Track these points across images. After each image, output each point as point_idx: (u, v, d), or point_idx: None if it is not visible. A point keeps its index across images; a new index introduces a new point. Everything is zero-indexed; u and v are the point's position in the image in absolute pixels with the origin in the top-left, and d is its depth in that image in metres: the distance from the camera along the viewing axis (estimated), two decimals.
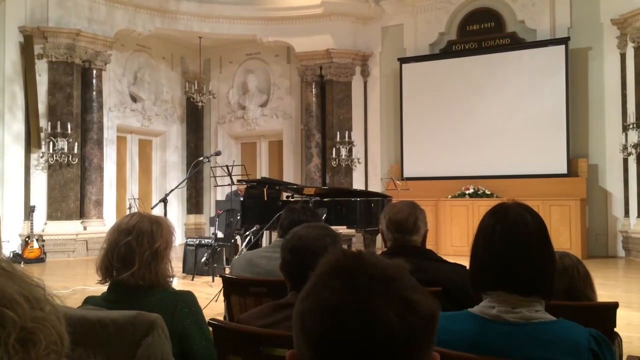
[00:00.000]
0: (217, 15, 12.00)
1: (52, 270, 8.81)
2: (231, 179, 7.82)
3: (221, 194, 11.96)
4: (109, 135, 11.44)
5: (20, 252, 9.68)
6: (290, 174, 12.66)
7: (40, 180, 10.19)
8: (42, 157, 10.15)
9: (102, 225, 10.51)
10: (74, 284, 7.14)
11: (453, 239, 10.16)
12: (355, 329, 0.69)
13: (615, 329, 1.93)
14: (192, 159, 12.44)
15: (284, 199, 8.43)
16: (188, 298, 1.90)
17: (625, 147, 9.44)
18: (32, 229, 9.73)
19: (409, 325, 0.70)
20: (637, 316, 5.37)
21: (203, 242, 8.11)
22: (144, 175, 12.84)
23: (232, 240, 8.16)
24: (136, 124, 12.30)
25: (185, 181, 7.76)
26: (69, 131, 10.16)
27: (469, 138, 10.72)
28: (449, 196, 10.54)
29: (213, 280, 7.34)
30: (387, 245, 2.52)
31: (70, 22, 10.37)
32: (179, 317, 1.83)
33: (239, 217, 7.92)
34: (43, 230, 10.06)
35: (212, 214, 11.38)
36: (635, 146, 9.27)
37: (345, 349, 0.70)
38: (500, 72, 10.62)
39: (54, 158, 10.07)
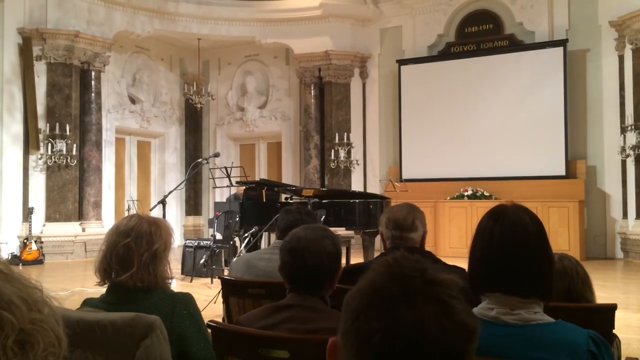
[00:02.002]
0: (215, 17, 12.01)
1: (51, 272, 8.79)
2: (230, 180, 7.82)
3: (220, 196, 11.95)
4: (108, 136, 11.43)
5: (18, 254, 9.67)
6: (289, 176, 12.66)
7: (38, 181, 10.18)
8: (40, 158, 10.14)
9: (100, 227, 10.49)
10: (73, 285, 7.13)
11: (452, 240, 10.16)
12: (389, 314, 0.71)
13: (614, 331, 1.93)
14: (191, 161, 12.43)
15: (283, 200, 8.43)
16: (187, 300, 1.90)
17: (623, 149, 9.46)
18: (30, 230, 9.71)
19: (442, 326, 0.70)
20: (635, 318, 5.38)
21: (202, 243, 8.11)
22: (142, 176, 12.83)
23: (231, 242, 8.16)
24: (135, 126, 12.29)
25: (184, 183, 7.74)
26: (68, 133, 10.15)
27: (467, 139, 10.73)
28: (448, 198, 10.55)
29: (212, 282, 7.35)
30: (387, 245, 2.54)
31: (69, 24, 10.37)
32: (177, 318, 1.83)
33: (237, 219, 7.92)
34: (41, 232, 10.04)
35: (211, 215, 11.38)
36: (634, 148, 9.28)
37: (377, 332, 0.71)
38: (499, 74, 10.63)
39: (53, 159, 10.06)
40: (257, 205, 8.02)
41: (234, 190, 9.14)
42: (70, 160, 10.18)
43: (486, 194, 10.31)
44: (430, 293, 0.73)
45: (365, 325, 0.72)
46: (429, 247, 3.68)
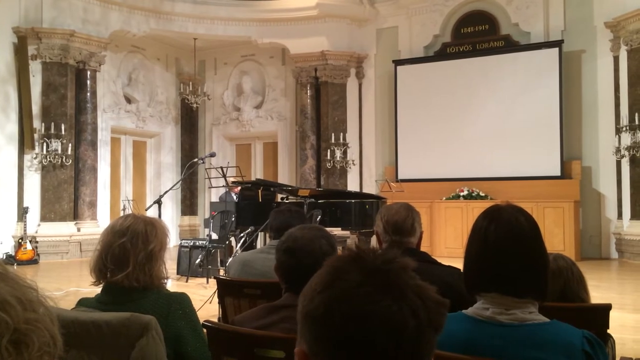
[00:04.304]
0: (212, 17, 12.00)
1: (46, 272, 8.76)
2: (226, 180, 7.81)
3: (216, 196, 11.94)
4: (103, 136, 11.40)
5: (13, 254, 9.64)
6: (285, 176, 12.66)
7: (33, 181, 10.14)
8: (35, 158, 10.11)
9: (96, 227, 10.47)
10: (68, 285, 7.11)
11: (447, 240, 10.18)
12: (381, 315, 0.72)
13: (609, 331, 1.94)
14: (187, 161, 12.42)
15: (279, 200, 8.42)
16: (182, 300, 1.90)
17: (618, 150, 9.49)
18: (25, 230, 9.68)
19: (427, 309, 0.74)
20: (630, 318, 5.39)
21: (197, 243, 8.10)
22: (138, 176, 12.80)
23: (227, 242, 8.15)
24: (130, 125, 12.26)
25: (180, 182, 7.71)
26: (63, 132, 10.12)
27: (463, 140, 10.75)
28: (444, 198, 10.56)
29: (207, 282, 7.34)
30: (383, 247, 2.52)
31: (65, 23, 10.34)
32: (173, 318, 1.82)
33: (233, 219, 7.91)
34: (36, 232, 10.01)
35: (207, 215, 11.36)
36: (629, 148, 9.31)
37: (375, 333, 0.71)
38: (495, 75, 10.65)
39: (48, 159, 10.02)
40: (253, 205, 8.02)
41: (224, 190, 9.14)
42: (65, 159, 10.15)
43: (482, 194, 10.33)
44: (406, 279, 0.75)
45: (361, 330, 0.71)
46: (424, 247, 3.69)
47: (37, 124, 10.13)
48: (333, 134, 11.75)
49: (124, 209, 10.99)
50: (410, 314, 0.72)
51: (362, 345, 0.71)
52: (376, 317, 0.71)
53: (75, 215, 10.51)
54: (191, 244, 8.12)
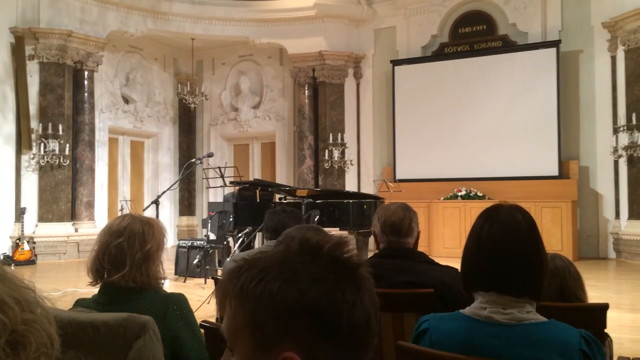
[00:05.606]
0: (209, 17, 11.99)
1: (43, 273, 8.75)
2: (224, 180, 7.81)
3: (214, 196, 11.93)
4: (101, 136, 11.39)
5: (10, 254, 9.62)
6: (282, 176, 12.65)
7: (31, 181, 10.13)
8: (33, 158, 10.09)
9: (93, 227, 10.45)
10: (65, 286, 7.10)
11: (445, 240, 10.19)
12: (370, 290, 0.78)
13: (606, 330, 1.94)
14: (185, 161, 12.41)
15: (277, 200, 8.42)
16: (180, 300, 1.90)
17: (616, 149, 9.51)
18: (22, 230, 9.66)
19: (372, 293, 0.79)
20: (627, 317, 5.41)
21: (195, 244, 8.09)
22: (135, 176, 12.79)
23: (225, 242, 8.15)
24: (128, 126, 12.25)
25: (178, 183, 7.71)
26: (60, 132, 10.10)
27: (461, 140, 10.76)
28: (442, 198, 10.57)
29: (205, 282, 7.33)
30: (380, 247, 2.52)
31: (62, 23, 10.32)
32: (170, 319, 1.82)
33: (231, 219, 7.91)
34: (34, 232, 9.99)
35: (205, 215, 11.36)
36: (626, 148, 9.33)
37: (370, 313, 0.76)
38: (492, 75, 10.66)
39: (45, 159, 10.00)
40: (251, 205, 8.02)
41: (228, 189, 9.13)
42: (62, 160, 10.13)
43: (480, 194, 10.34)
44: (358, 258, 0.79)
45: (364, 312, 0.74)
46: (422, 247, 3.69)
47: (34, 124, 10.11)
48: (331, 134, 11.75)
49: (121, 210, 10.96)
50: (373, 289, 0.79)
51: (362, 326, 0.74)
52: (369, 299, 0.76)
53: (73, 216, 10.50)
54: (189, 244, 8.11)
